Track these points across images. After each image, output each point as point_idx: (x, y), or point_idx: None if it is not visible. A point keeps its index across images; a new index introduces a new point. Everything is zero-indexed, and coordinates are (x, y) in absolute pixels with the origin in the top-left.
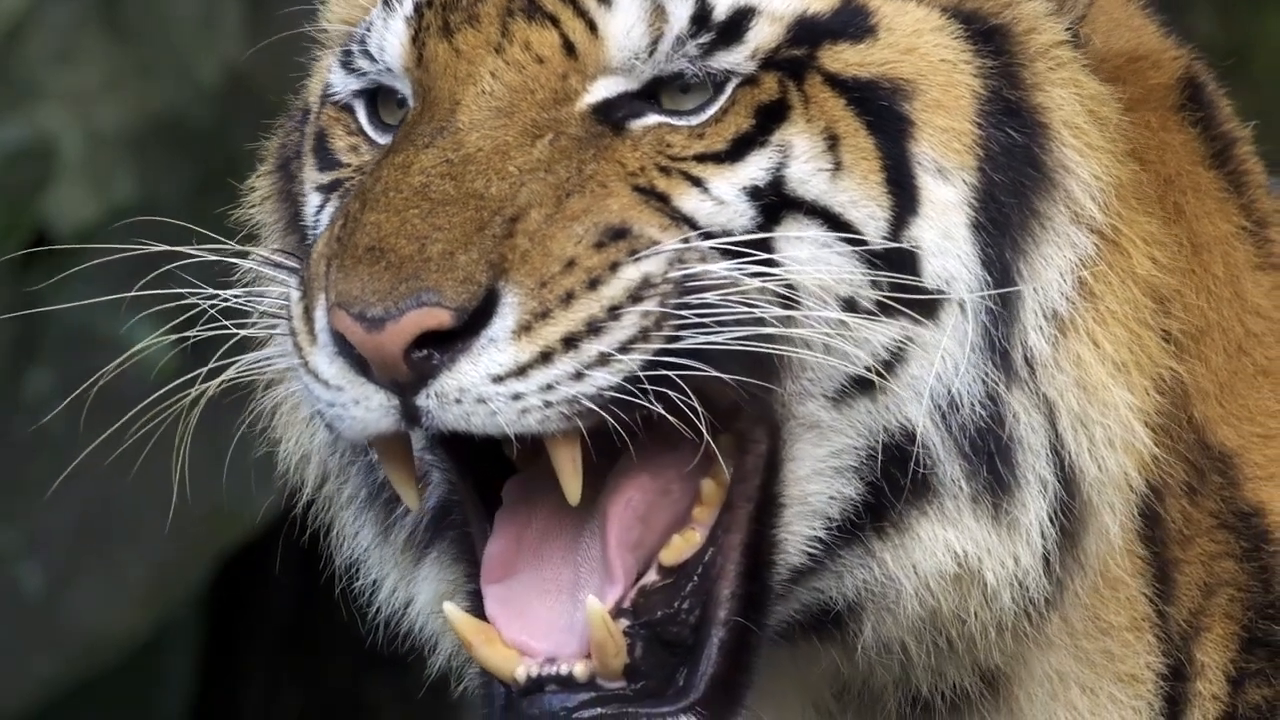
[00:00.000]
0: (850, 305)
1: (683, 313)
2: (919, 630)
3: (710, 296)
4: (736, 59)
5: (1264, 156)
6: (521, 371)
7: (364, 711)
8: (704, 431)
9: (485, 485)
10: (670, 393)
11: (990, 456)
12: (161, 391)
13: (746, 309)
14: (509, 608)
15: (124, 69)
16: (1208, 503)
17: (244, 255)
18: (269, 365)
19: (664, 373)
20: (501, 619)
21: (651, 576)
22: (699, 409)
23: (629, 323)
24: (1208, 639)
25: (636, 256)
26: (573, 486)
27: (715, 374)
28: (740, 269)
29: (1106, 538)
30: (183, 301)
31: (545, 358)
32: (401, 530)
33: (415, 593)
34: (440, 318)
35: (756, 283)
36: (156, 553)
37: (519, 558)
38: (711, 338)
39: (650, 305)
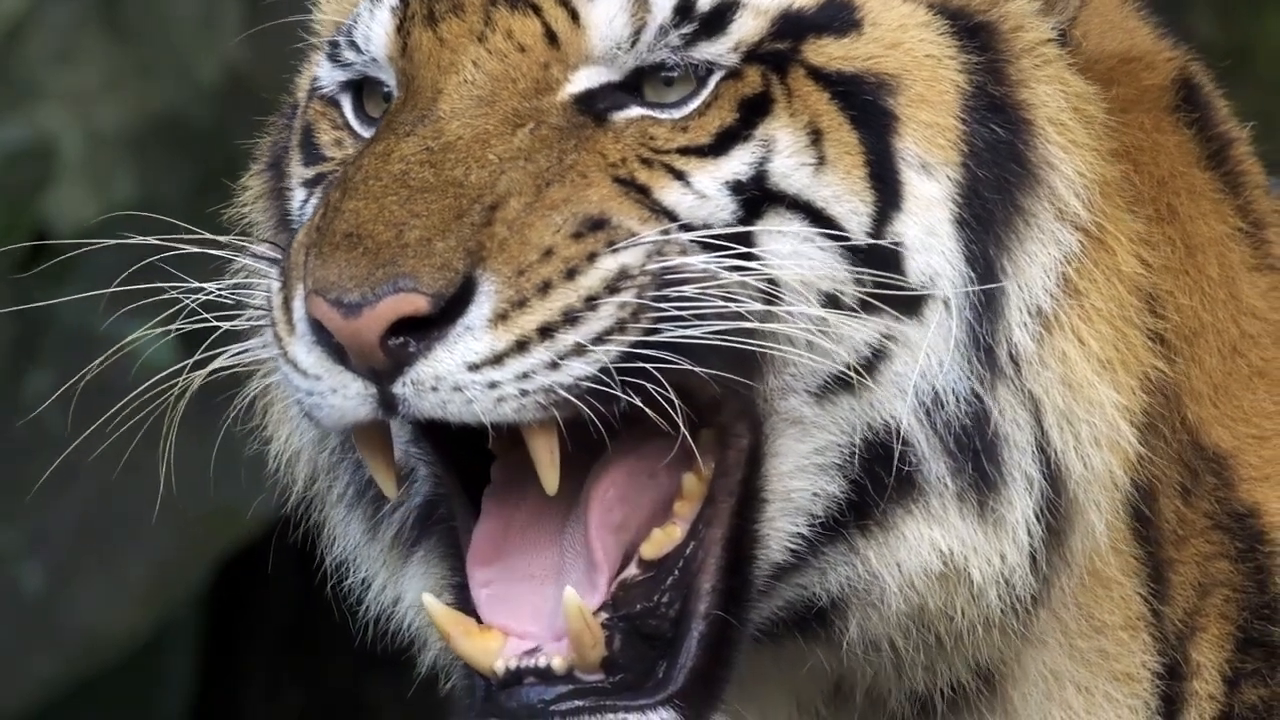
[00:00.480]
0: (832, 301)
1: (660, 305)
2: (906, 627)
3: (689, 290)
4: (719, 50)
5: (1264, 157)
6: (498, 360)
7: (364, 711)
8: (680, 425)
9: (471, 480)
10: (648, 385)
11: (976, 454)
12: (150, 383)
13: (725, 303)
14: (494, 591)
15: (124, 69)
16: (1202, 503)
17: (239, 250)
18: (252, 356)
19: (641, 365)
20: (486, 603)
21: (632, 570)
22: (676, 402)
23: (606, 314)
24: (1203, 639)
25: (615, 248)
26: (550, 476)
27: (692, 368)
28: (720, 263)
29: (1093, 536)
30: (167, 296)
31: (521, 346)
32: (389, 528)
33: (403, 590)
34: (417, 304)
35: (736, 277)
36: (156, 553)
37: (506, 543)
38: (689, 331)
39: (627, 297)
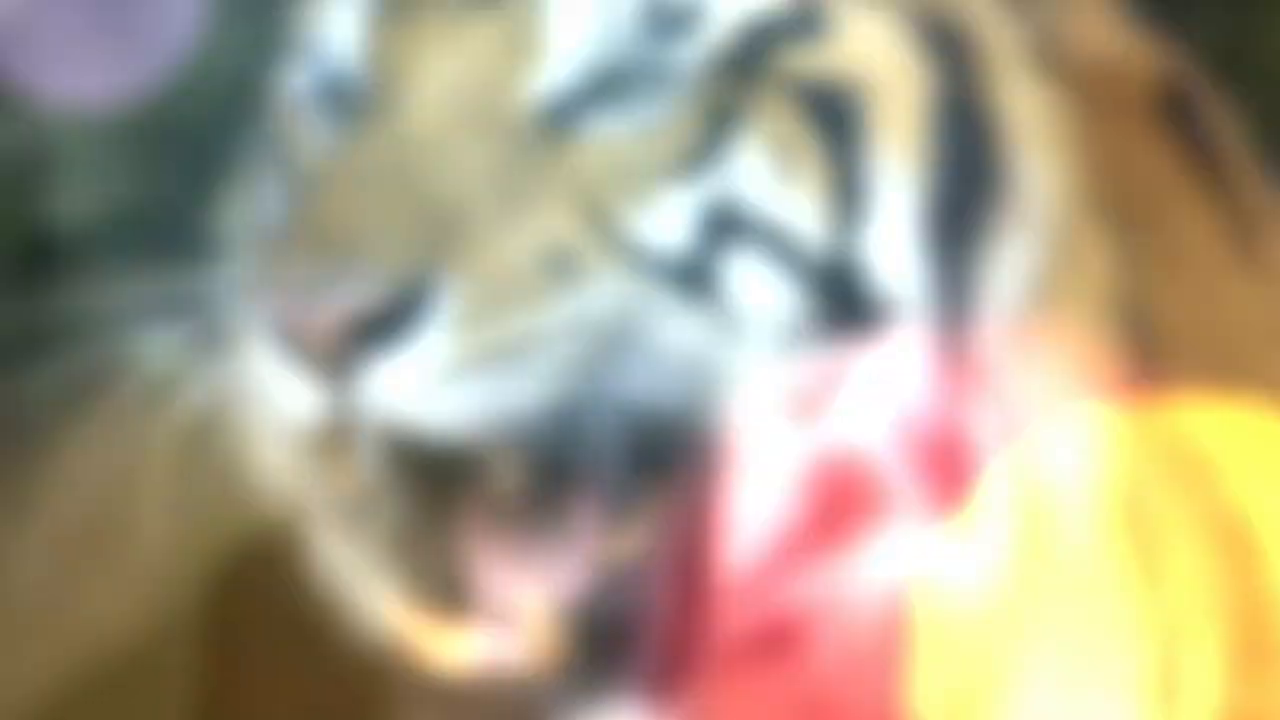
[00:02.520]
0: (796, 324)
1: (616, 340)
2: None
3: (650, 324)
4: (686, 57)
5: (1261, 156)
6: (449, 372)
7: None
8: (634, 457)
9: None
10: (599, 417)
11: (953, 468)
12: (141, 387)
13: (687, 340)
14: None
15: None
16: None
17: (219, 262)
18: (219, 365)
19: (594, 397)
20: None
21: (595, 574)
22: (629, 433)
23: (561, 344)
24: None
25: (575, 277)
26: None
27: (648, 406)
28: (681, 298)
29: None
30: (167, 299)
31: (474, 362)
32: (366, 539)
33: (379, 603)
34: (370, 304)
35: (697, 312)
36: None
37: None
38: (645, 367)
39: (584, 328)
